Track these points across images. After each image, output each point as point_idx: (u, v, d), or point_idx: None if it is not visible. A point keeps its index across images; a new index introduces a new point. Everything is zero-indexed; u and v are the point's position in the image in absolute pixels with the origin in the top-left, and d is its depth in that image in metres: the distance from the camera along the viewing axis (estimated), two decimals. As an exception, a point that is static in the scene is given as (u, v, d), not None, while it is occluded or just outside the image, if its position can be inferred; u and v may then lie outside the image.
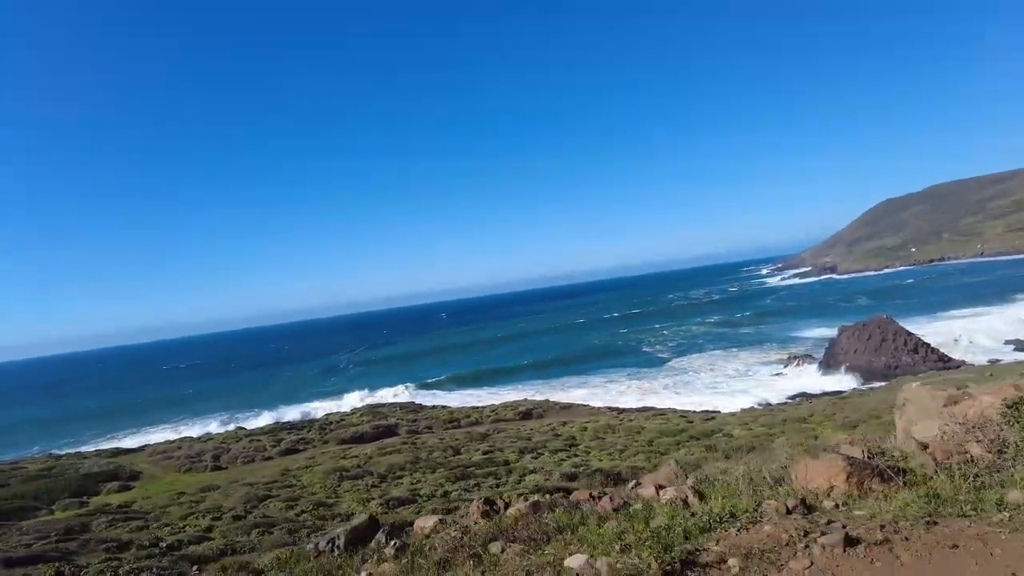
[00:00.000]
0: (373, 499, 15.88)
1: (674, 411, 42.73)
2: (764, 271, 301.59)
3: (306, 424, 44.48)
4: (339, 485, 19.41)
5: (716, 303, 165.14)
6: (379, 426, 40.50)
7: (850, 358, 61.57)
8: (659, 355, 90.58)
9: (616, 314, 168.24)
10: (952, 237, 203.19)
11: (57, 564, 10.26)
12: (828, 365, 64.23)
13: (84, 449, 51.59)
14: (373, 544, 6.92)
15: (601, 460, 18.96)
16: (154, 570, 7.96)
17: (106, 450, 47.39)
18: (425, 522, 6.91)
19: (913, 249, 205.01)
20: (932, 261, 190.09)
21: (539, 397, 56.49)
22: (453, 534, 5.87)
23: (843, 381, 58.52)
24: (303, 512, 15.02)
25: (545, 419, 41.24)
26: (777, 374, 69.50)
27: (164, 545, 11.96)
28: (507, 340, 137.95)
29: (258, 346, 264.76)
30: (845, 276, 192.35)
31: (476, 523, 6.60)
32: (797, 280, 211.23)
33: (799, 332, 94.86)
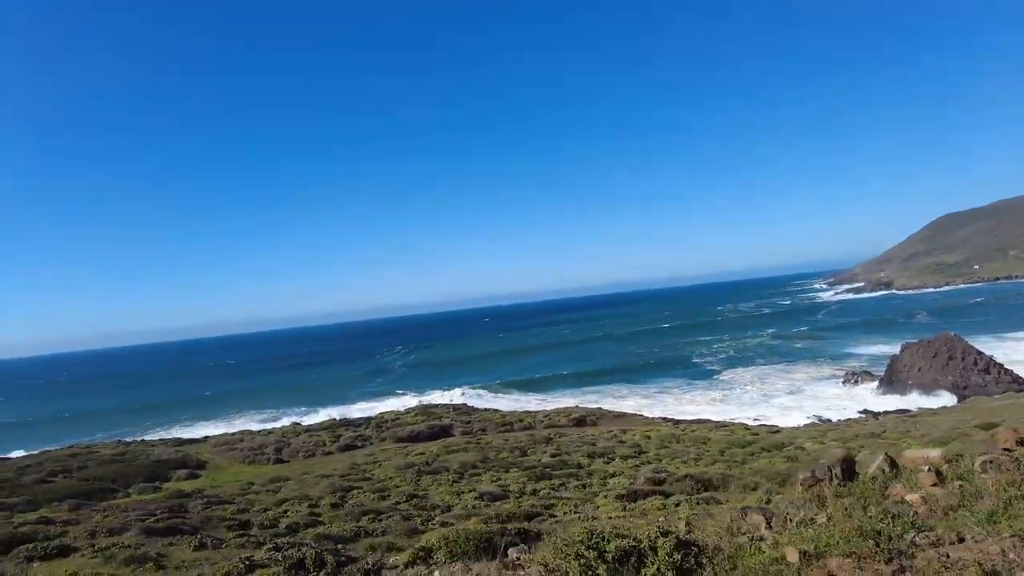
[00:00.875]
0: (463, 492, 16.05)
1: (732, 423, 41.97)
2: (816, 285, 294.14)
3: (362, 422, 45.12)
4: (418, 479, 19.63)
5: (767, 316, 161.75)
6: (434, 426, 40.82)
7: (914, 376, 59.40)
8: (710, 367, 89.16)
9: (665, 325, 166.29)
10: (1020, 254, 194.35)
11: (199, 536, 10.71)
12: (889, 383, 62.13)
13: (147, 438, 53.46)
14: (874, 471, 7.15)
15: (678, 468, 18.74)
16: (311, 545, 8.19)
17: (170, 439, 48.95)
18: (925, 453, 6.98)
19: (976, 266, 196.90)
20: (998, 279, 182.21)
21: (591, 405, 56.20)
22: (999, 456, 5.95)
23: (907, 400, 56.54)
24: (399, 503, 15.22)
25: (599, 426, 40.95)
26: (833, 390, 67.82)
27: (284, 526, 12.32)
28: (553, 347, 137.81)
29: (300, 347, 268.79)
30: (903, 292, 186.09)
31: (1008, 451, 6.57)
32: (851, 295, 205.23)
33: (855, 348, 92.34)
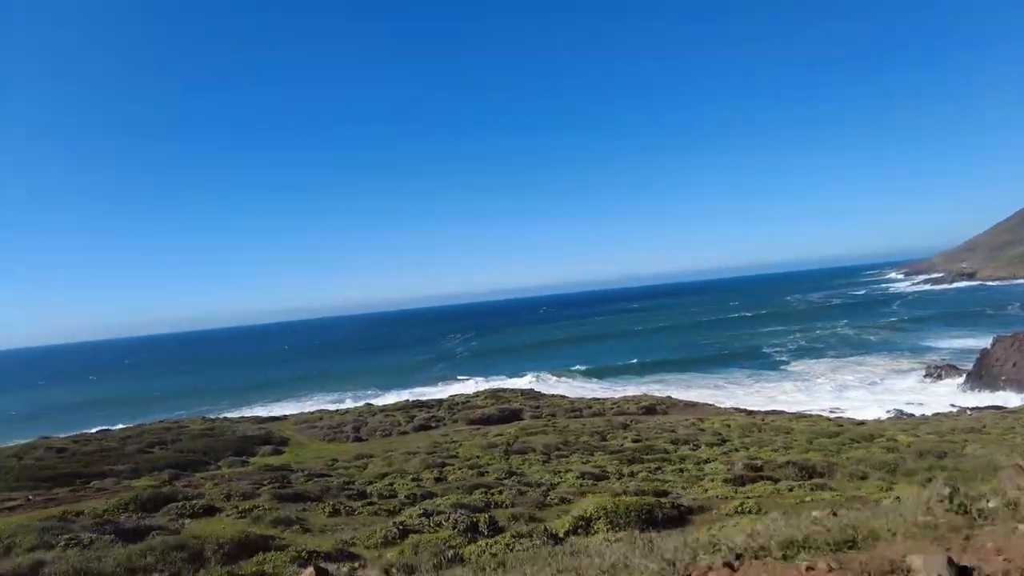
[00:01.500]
0: (561, 471, 16.13)
1: (811, 414, 40.71)
2: (891, 275, 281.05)
3: (435, 403, 45.94)
4: (507, 458, 19.86)
5: (839, 307, 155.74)
6: (504, 409, 41.17)
7: (1007, 371, 56.14)
8: (779, 358, 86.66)
9: (732, 315, 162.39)
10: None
11: (333, 503, 11.21)
12: (978, 377, 58.95)
13: (230, 415, 55.90)
14: None
15: (770, 456, 18.30)
16: (457, 512, 8.40)
17: (252, 417, 51.06)
18: None
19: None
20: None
21: (657, 393, 55.53)
22: None
23: (997, 396, 53.59)
24: (499, 479, 15.43)
25: (670, 415, 40.40)
26: (913, 384, 65.08)
27: (403, 496, 12.69)
28: (614, 336, 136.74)
29: (358, 334, 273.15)
30: (991, 283, 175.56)
31: None
32: (928, 286, 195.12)
33: (935, 342, 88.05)
